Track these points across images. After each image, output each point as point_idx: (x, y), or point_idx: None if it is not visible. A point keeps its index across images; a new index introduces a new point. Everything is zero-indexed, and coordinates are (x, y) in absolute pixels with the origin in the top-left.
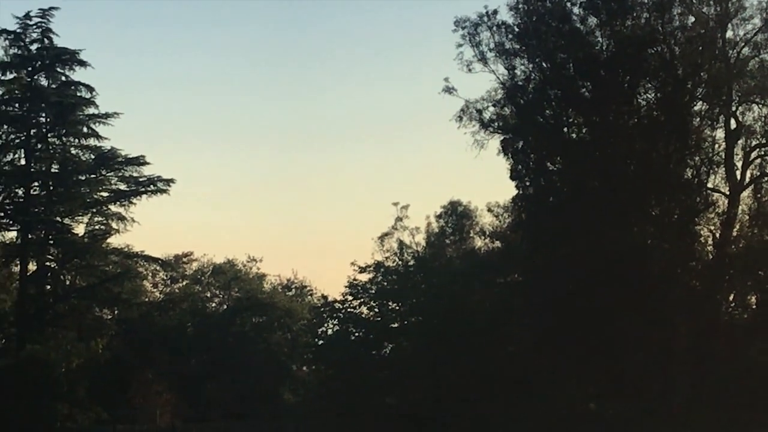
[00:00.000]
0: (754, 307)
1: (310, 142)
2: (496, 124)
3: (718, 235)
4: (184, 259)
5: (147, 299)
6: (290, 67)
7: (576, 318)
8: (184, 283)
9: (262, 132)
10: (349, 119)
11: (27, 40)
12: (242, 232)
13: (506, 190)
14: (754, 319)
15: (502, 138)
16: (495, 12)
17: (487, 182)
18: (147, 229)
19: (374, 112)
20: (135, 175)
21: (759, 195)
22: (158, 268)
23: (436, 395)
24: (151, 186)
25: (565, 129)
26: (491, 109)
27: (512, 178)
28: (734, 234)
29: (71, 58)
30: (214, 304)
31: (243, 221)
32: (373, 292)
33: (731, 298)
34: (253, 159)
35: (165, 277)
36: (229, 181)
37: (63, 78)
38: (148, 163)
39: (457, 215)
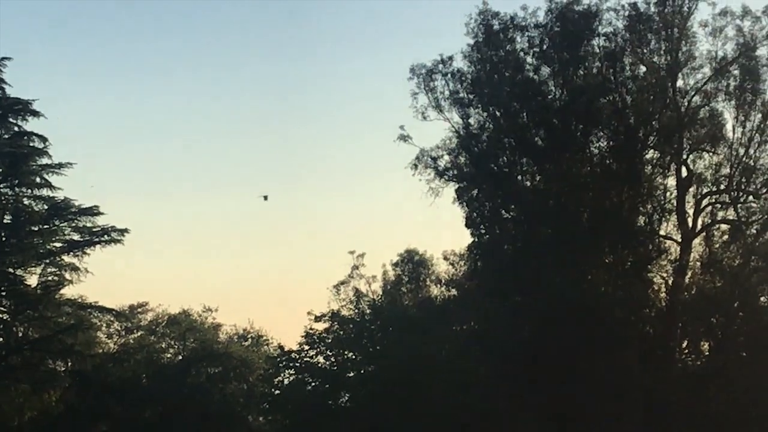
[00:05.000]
0: (707, 353)
1: (264, 185)
2: (451, 172)
3: (670, 282)
4: (139, 310)
5: (101, 350)
6: (242, 114)
7: (531, 366)
8: (139, 333)
9: (217, 180)
10: (305, 167)
11: None
12: (197, 282)
13: (462, 238)
14: (707, 365)
15: (456, 186)
16: (450, 59)
17: (443, 230)
18: (101, 280)
19: (331, 159)
20: (88, 225)
21: (710, 242)
22: (112, 318)
23: None
24: (105, 236)
25: (519, 177)
26: (446, 157)
27: (467, 226)
28: (687, 281)
29: (24, 108)
30: (169, 355)
31: (198, 271)
32: (330, 341)
33: (684, 345)
34: (208, 207)
35: (119, 328)
36: (184, 231)
37: (16, 128)
38: (101, 213)
39: (413, 263)
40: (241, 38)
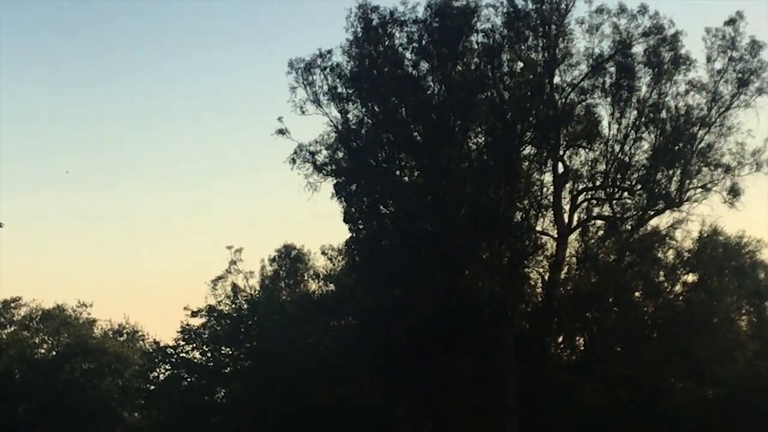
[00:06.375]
0: (582, 348)
1: (142, 181)
2: (330, 167)
3: (547, 277)
4: (12, 305)
5: None
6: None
7: (409, 360)
8: (12, 329)
9: (89, 173)
10: (184, 159)
11: None
12: (72, 277)
13: (340, 233)
14: (583, 360)
15: (335, 181)
16: (329, 53)
17: (321, 225)
18: None
19: (210, 153)
20: None
21: (586, 238)
22: None
23: None
24: None
25: (398, 172)
26: (324, 152)
27: (345, 221)
28: (562, 276)
29: None
30: (43, 350)
31: (73, 266)
32: (206, 336)
33: (560, 339)
34: (83, 202)
35: None
36: (58, 225)
37: None
38: None
39: (291, 259)
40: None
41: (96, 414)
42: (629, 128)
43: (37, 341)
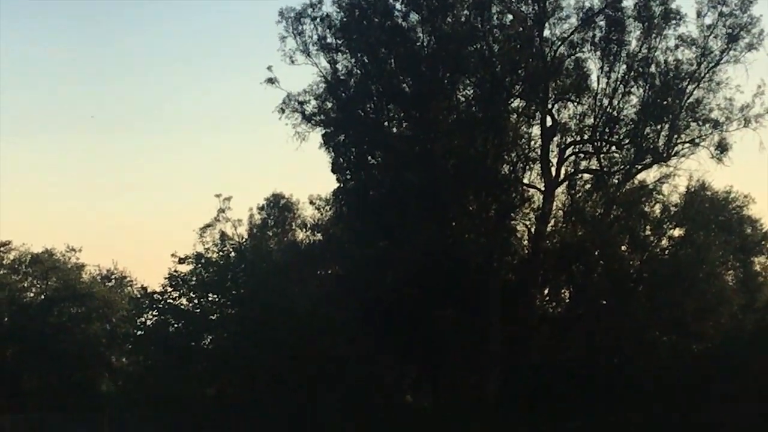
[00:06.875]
0: (567, 301)
1: (132, 129)
2: (318, 117)
3: (533, 230)
4: (1, 248)
5: None
6: (110, 49)
7: (394, 310)
8: (1, 272)
9: (81, 118)
10: (175, 107)
11: None
12: (61, 222)
13: (328, 183)
14: (567, 313)
15: (323, 131)
16: (320, 2)
17: (309, 175)
18: None
19: (200, 101)
20: None
21: (573, 191)
22: None
23: (255, 385)
24: None
25: (386, 123)
26: (313, 102)
27: (333, 171)
28: (549, 229)
29: None
30: (31, 294)
31: (62, 210)
32: (194, 283)
33: (546, 292)
34: (73, 146)
35: None
36: (48, 169)
37: None
38: None
39: (279, 208)
40: None
41: (84, 358)
42: (618, 82)
43: (25, 285)
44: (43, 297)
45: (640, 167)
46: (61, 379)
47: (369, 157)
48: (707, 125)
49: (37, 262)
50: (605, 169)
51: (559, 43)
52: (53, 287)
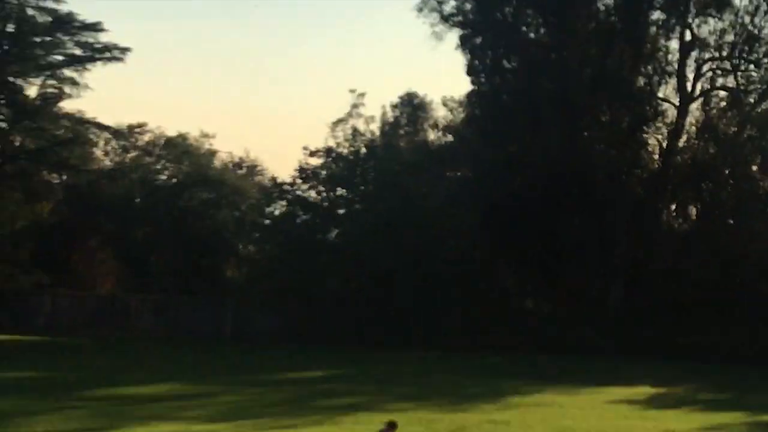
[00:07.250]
0: (694, 218)
1: (270, 21)
2: (456, 18)
3: (664, 144)
4: (137, 130)
5: (96, 167)
6: None
7: (519, 216)
8: (135, 153)
9: (224, 8)
10: (311, 2)
11: None
12: (197, 108)
13: (462, 86)
14: (694, 230)
15: (460, 33)
16: None
17: (443, 76)
18: (100, 97)
19: None
20: (91, 41)
21: (708, 107)
22: (110, 136)
23: (377, 282)
24: (107, 53)
25: (524, 28)
26: (452, 2)
27: (468, 73)
28: (681, 145)
29: None
30: (163, 177)
31: (199, 96)
32: (323, 177)
33: (673, 207)
34: (213, 35)
35: (116, 146)
36: (187, 56)
37: None
38: (104, 30)
39: (412, 107)
40: None
41: (211, 243)
42: (761, 0)
43: (158, 167)
44: (174, 180)
45: None
46: (188, 263)
47: (504, 61)
48: None
49: (170, 146)
50: (742, 87)
51: None
52: (185, 171)
